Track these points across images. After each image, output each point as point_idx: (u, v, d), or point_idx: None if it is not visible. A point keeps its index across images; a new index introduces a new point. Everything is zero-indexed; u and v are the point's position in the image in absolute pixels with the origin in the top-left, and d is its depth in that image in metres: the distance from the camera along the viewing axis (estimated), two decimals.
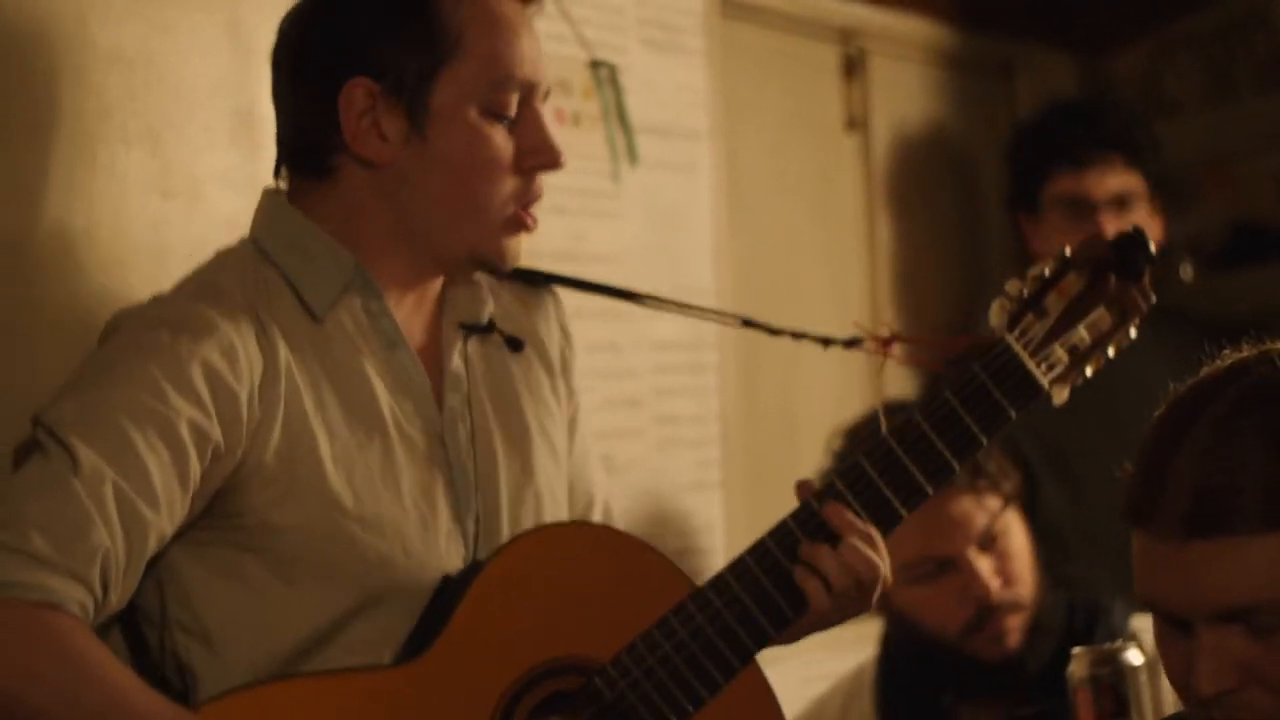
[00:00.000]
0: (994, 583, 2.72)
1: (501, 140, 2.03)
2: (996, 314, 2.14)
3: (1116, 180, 3.47)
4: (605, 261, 2.98)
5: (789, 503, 2.10)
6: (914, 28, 3.82)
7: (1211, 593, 1.53)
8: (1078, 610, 2.80)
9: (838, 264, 3.61)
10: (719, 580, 2.06)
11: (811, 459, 3.35)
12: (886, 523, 2.10)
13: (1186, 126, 4.11)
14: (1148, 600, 1.59)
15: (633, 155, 3.04)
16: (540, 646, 2.00)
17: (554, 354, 2.23)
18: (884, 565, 2.08)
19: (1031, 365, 2.13)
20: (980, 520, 2.74)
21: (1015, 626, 2.73)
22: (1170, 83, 4.20)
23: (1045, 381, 2.14)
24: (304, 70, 2.04)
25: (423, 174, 2.02)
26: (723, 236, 3.28)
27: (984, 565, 2.73)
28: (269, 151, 2.11)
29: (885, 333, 2.21)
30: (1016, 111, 4.00)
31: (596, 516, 2.27)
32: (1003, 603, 2.73)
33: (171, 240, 2.31)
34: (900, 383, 3.53)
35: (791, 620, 2.07)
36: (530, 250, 2.85)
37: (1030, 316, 2.14)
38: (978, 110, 4.00)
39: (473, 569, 2.02)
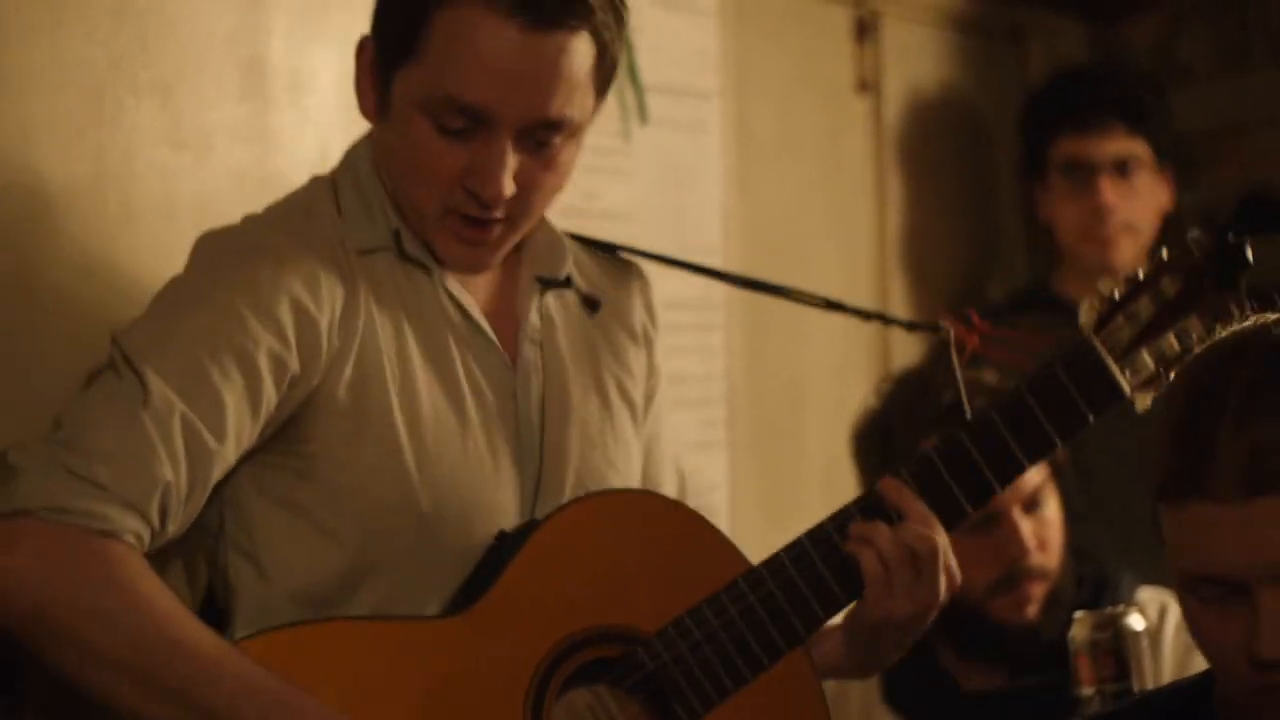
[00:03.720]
0: (1032, 545, 2.72)
1: (443, 149, 1.97)
2: (1086, 313, 2.10)
3: (1116, 145, 3.48)
4: (615, 219, 2.98)
5: (794, 462, 2.10)
6: None
7: (1275, 550, 1.54)
8: (1085, 582, 2.80)
9: (846, 227, 3.60)
10: (773, 560, 2.05)
11: (817, 420, 3.35)
12: (951, 517, 2.07)
13: (1198, 95, 4.09)
14: (1203, 569, 1.59)
15: (643, 114, 3.04)
16: (587, 613, 1.99)
17: (637, 325, 2.21)
18: (943, 548, 2.05)
19: (1115, 370, 2.09)
20: (1032, 480, 2.74)
21: (1038, 596, 2.73)
22: (1183, 51, 4.19)
23: (1128, 387, 2.09)
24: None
25: (389, 148, 2.03)
26: (732, 197, 3.28)
27: (1026, 526, 2.73)
28: (279, 104, 2.10)
29: (971, 322, 2.16)
30: (1028, 78, 3.99)
31: (670, 489, 2.24)
32: (1034, 568, 2.72)
33: (181, 193, 2.31)
34: (907, 348, 3.52)
35: (842, 600, 2.05)
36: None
37: (1120, 319, 2.09)
38: (989, 76, 3.99)
39: (529, 526, 2.01)
